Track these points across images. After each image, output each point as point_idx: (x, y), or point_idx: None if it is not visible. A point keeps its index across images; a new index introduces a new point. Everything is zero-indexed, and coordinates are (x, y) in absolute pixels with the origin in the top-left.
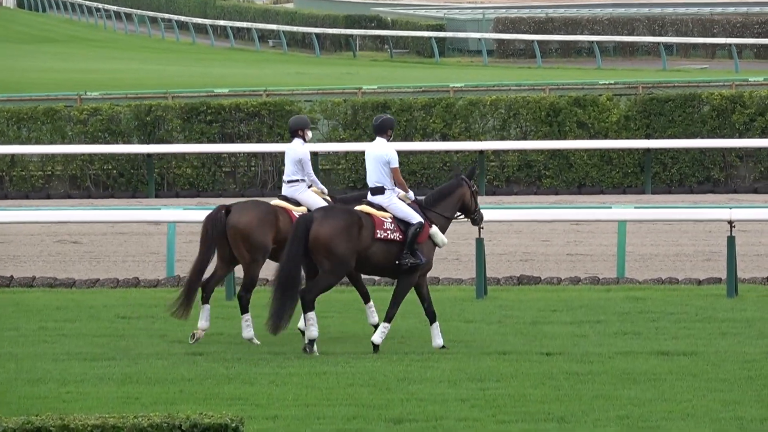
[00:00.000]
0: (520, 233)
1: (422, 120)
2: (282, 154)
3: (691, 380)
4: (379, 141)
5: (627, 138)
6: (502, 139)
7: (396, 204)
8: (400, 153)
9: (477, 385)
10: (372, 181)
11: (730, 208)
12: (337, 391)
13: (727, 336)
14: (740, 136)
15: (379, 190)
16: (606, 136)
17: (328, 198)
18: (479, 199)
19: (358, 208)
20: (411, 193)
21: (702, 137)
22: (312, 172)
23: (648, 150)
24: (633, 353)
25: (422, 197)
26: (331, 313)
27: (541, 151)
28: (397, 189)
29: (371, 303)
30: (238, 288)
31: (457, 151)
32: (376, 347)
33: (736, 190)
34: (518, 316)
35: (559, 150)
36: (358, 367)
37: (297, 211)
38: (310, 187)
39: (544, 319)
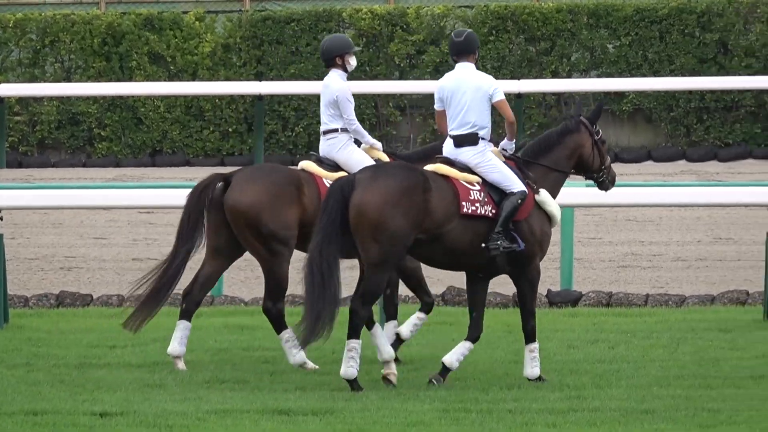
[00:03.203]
0: (61, 226)
1: None
2: None
3: None
4: (467, 66)
5: (227, 79)
6: (33, 80)
7: (490, 162)
8: None
9: None
10: (461, 124)
11: None
12: None
13: (380, 385)
14: (402, 77)
15: (470, 139)
16: (194, 77)
17: (384, 156)
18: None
19: (430, 167)
20: (512, 143)
21: None
22: (354, 117)
23: (260, 98)
24: (235, 412)
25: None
26: None
27: (94, 100)
28: (489, 142)
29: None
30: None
31: None
32: (539, 379)
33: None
34: (51, 354)
35: (121, 97)
36: None
37: (330, 179)
38: (359, 145)
39: (97, 359)
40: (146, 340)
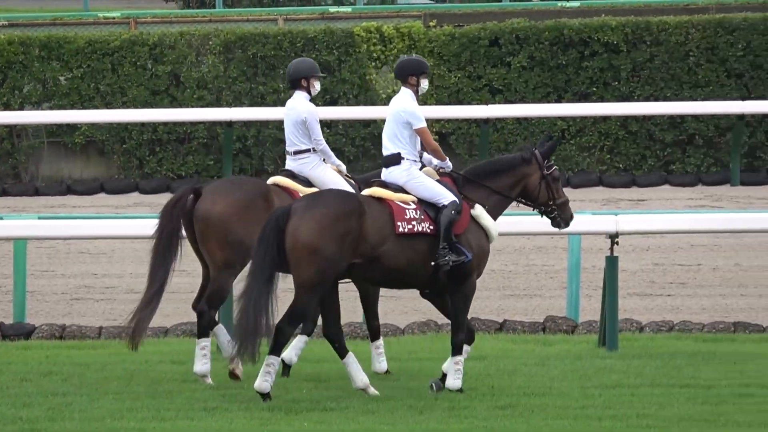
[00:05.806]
0: None
1: None
2: None
3: None
4: (402, 93)
5: None
6: None
7: (417, 179)
8: None
9: None
10: (385, 146)
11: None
12: None
13: None
14: None
15: (394, 160)
16: None
17: (351, 179)
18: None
19: (366, 192)
20: (448, 162)
21: None
22: (322, 138)
23: None
24: None
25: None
26: None
27: None
28: (418, 159)
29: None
30: None
31: None
32: (460, 391)
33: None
34: None
35: None
36: None
37: (304, 192)
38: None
39: None
40: None
